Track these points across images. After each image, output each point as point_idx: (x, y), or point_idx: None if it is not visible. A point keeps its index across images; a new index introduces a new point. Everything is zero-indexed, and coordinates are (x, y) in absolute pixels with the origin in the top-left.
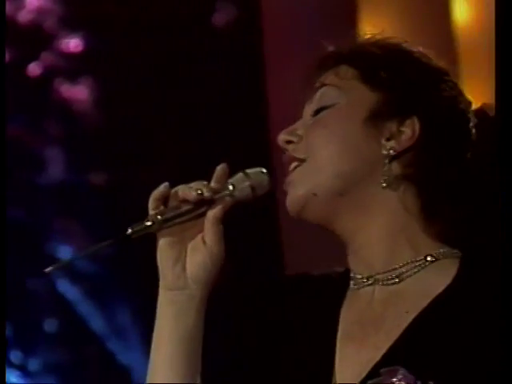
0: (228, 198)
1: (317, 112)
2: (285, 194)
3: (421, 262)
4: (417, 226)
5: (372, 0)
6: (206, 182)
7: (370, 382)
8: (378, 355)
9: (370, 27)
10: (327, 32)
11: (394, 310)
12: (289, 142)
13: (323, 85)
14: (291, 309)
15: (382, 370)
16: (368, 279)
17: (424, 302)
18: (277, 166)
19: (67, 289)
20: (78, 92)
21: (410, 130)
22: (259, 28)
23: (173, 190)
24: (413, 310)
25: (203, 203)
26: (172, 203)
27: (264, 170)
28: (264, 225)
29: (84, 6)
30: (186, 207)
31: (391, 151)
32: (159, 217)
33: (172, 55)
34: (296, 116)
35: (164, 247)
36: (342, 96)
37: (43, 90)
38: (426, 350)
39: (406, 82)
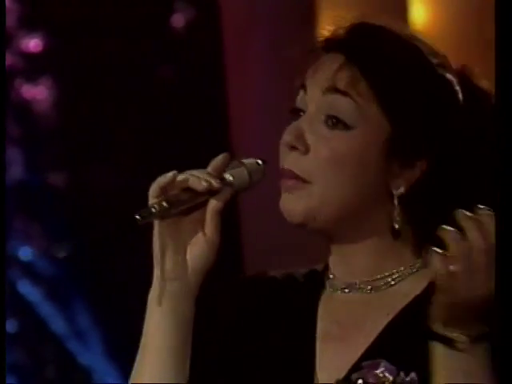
0: (228, 189)
1: (331, 120)
2: (247, 194)
3: (405, 272)
4: (407, 246)
5: (330, 3)
6: (208, 171)
7: (354, 374)
8: (358, 356)
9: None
10: (287, 31)
11: (374, 312)
12: (294, 147)
13: (336, 89)
14: (266, 309)
15: (364, 363)
16: (351, 285)
17: (402, 304)
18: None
19: (28, 290)
20: (37, 92)
21: (418, 171)
22: (218, 28)
23: (178, 179)
24: (392, 312)
25: (207, 193)
26: (173, 191)
27: (260, 162)
28: (224, 224)
29: (43, 7)
30: (188, 196)
31: (400, 191)
32: (165, 204)
33: (131, 56)
34: (255, 117)
35: (162, 237)
36: (359, 120)
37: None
38: (404, 347)
39: (421, 117)
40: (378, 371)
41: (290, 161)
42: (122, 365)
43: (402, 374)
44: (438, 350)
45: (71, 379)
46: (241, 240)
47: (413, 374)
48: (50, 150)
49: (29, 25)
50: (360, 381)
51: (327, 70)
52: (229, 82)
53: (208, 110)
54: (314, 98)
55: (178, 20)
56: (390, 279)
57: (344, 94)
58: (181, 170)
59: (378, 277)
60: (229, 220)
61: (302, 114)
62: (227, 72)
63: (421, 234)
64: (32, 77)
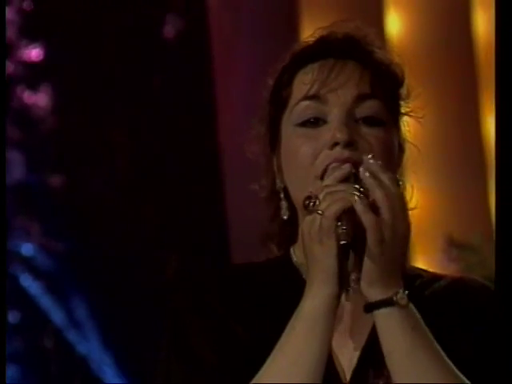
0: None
1: (368, 120)
2: (233, 188)
3: None
4: None
5: (312, 20)
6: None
7: None
8: (362, 343)
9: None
10: (272, 42)
11: (361, 319)
12: (350, 144)
13: (366, 94)
14: (259, 297)
15: None
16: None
17: None
18: (224, 162)
19: (29, 284)
20: (38, 98)
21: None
22: (207, 39)
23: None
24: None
25: None
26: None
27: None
28: (211, 218)
29: (43, 19)
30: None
31: (402, 178)
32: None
33: (125, 65)
34: (244, 124)
35: (341, 254)
36: (387, 116)
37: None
38: None
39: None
40: None
41: (347, 154)
42: (117, 354)
43: None
44: (384, 316)
45: (70, 367)
46: (227, 227)
47: None
48: (49, 152)
49: (30, 35)
50: None
51: (346, 78)
52: (216, 88)
53: (197, 115)
54: (341, 104)
55: (169, 31)
56: None
57: (373, 96)
58: (174, 171)
59: None
60: (215, 208)
61: (320, 122)
62: (215, 79)
63: None
64: (33, 84)
